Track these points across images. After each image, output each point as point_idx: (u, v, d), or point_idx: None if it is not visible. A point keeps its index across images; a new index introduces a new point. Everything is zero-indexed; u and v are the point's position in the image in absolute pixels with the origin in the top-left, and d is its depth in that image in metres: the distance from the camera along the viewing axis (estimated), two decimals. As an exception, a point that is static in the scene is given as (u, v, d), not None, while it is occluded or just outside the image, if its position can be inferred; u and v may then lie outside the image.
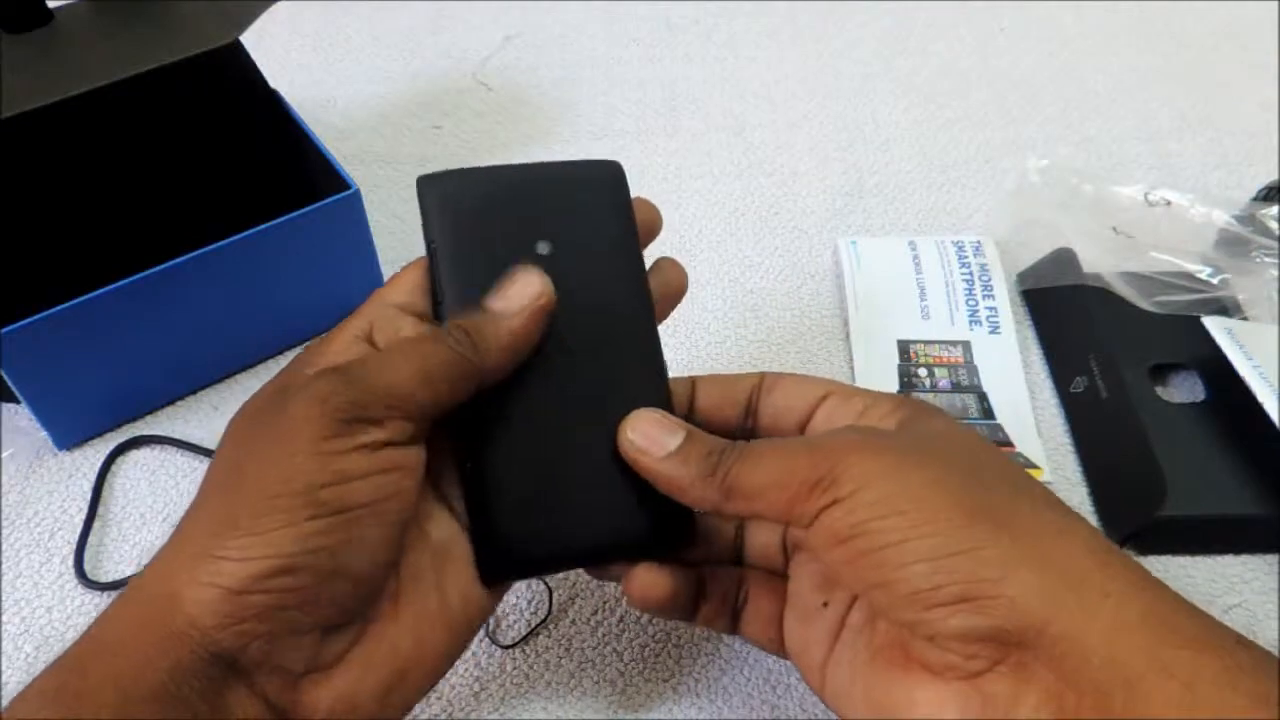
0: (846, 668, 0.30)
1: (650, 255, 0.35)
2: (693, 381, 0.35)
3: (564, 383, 0.31)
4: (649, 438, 0.30)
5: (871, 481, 0.27)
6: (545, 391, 0.31)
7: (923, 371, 0.49)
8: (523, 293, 0.30)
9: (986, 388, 0.48)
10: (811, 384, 0.33)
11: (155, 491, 0.45)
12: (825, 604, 0.31)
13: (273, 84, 0.49)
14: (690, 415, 0.34)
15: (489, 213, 0.32)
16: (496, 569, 0.31)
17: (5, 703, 0.37)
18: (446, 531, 0.31)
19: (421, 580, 0.29)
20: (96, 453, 0.46)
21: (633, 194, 0.34)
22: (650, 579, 0.32)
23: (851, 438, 0.29)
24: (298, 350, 0.50)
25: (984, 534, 0.25)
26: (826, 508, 0.27)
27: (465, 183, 0.33)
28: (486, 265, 0.31)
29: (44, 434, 0.45)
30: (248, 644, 0.25)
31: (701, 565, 0.34)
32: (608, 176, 0.34)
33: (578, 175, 0.33)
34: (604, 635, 0.40)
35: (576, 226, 0.33)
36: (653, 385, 0.32)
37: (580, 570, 0.41)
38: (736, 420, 0.34)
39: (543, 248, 0.32)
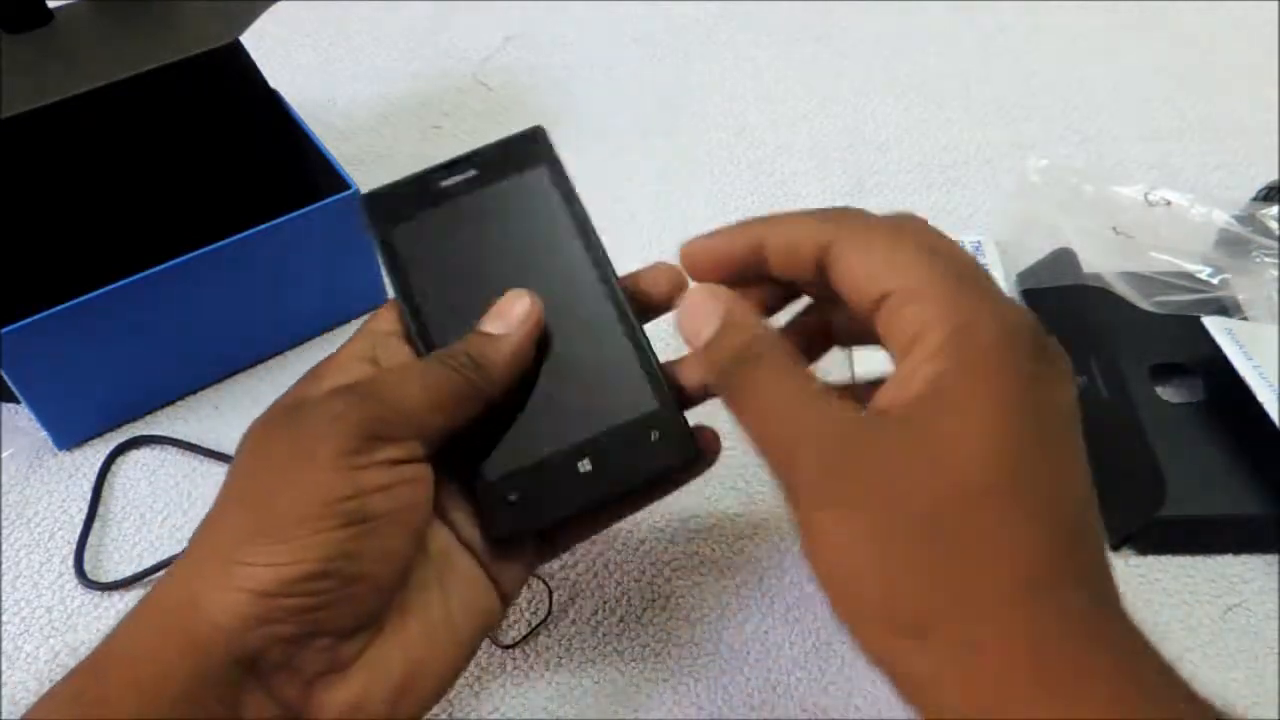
0: None
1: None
2: (759, 234, 0.30)
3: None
4: (693, 319, 0.29)
5: (821, 539, 0.25)
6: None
7: (923, 371, 0.48)
8: (514, 313, 0.31)
9: (986, 388, 0.48)
10: (875, 267, 0.27)
11: (155, 491, 0.45)
12: None
13: (273, 84, 0.49)
14: (763, 262, 0.31)
15: (437, 228, 0.33)
16: (501, 523, 0.32)
17: (3, 703, 0.38)
18: (444, 544, 0.31)
19: (426, 590, 0.30)
20: (96, 453, 0.46)
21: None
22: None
23: (814, 478, 0.25)
24: (298, 350, 0.50)
25: (898, 652, 0.24)
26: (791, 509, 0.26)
27: (402, 199, 0.34)
28: (454, 286, 0.33)
29: (44, 434, 0.45)
30: (271, 646, 0.26)
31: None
32: (533, 153, 0.34)
33: (505, 161, 0.34)
34: (604, 635, 0.40)
35: (517, 219, 0.33)
36: (621, 319, 0.33)
37: (580, 569, 0.41)
38: (808, 277, 0.29)
39: (495, 253, 0.33)
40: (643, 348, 0.33)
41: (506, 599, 0.32)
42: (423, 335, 0.32)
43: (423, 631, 0.29)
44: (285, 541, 0.26)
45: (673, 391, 0.32)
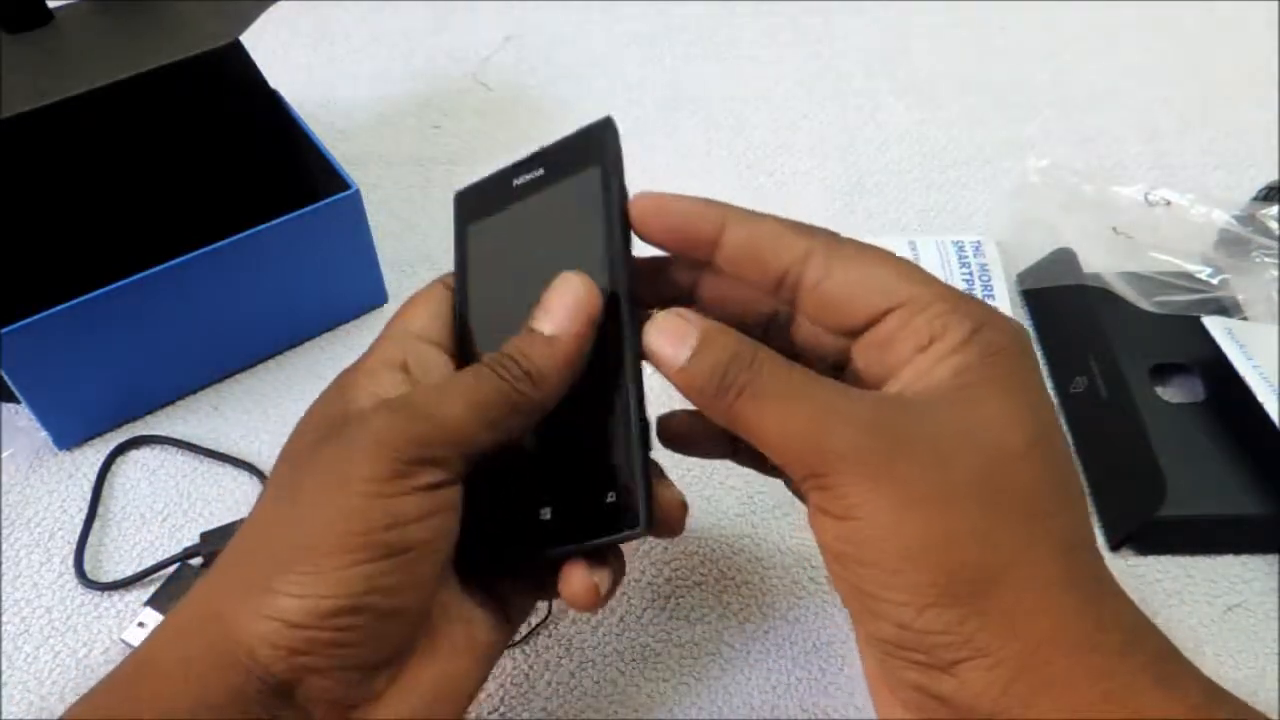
0: None
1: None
2: (723, 219, 0.29)
3: None
4: (670, 344, 0.28)
5: (864, 513, 0.25)
6: None
7: (923, 371, 0.48)
8: (566, 305, 0.28)
9: (986, 388, 0.48)
10: (879, 278, 0.28)
11: (155, 491, 0.45)
12: None
13: (273, 84, 0.49)
14: (710, 250, 0.30)
15: (499, 227, 0.31)
16: (462, 555, 0.30)
17: (3, 703, 0.38)
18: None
19: (450, 611, 0.29)
20: (96, 453, 0.46)
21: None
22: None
23: (857, 448, 0.25)
24: (298, 350, 0.50)
25: (951, 619, 0.24)
26: (821, 510, 0.26)
27: (482, 196, 0.32)
28: (498, 291, 0.31)
29: (44, 434, 0.45)
30: (303, 677, 0.25)
31: None
32: (593, 150, 0.30)
33: (568, 159, 0.31)
34: (604, 635, 0.40)
35: (564, 226, 0.30)
36: (620, 386, 0.28)
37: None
38: (766, 287, 0.29)
39: (538, 261, 0.31)
40: (628, 393, 0.28)
41: (512, 622, 0.31)
42: (462, 338, 0.31)
43: (451, 651, 0.29)
44: (318, 574, 0.25)
45: (642, 452, 0.28)
